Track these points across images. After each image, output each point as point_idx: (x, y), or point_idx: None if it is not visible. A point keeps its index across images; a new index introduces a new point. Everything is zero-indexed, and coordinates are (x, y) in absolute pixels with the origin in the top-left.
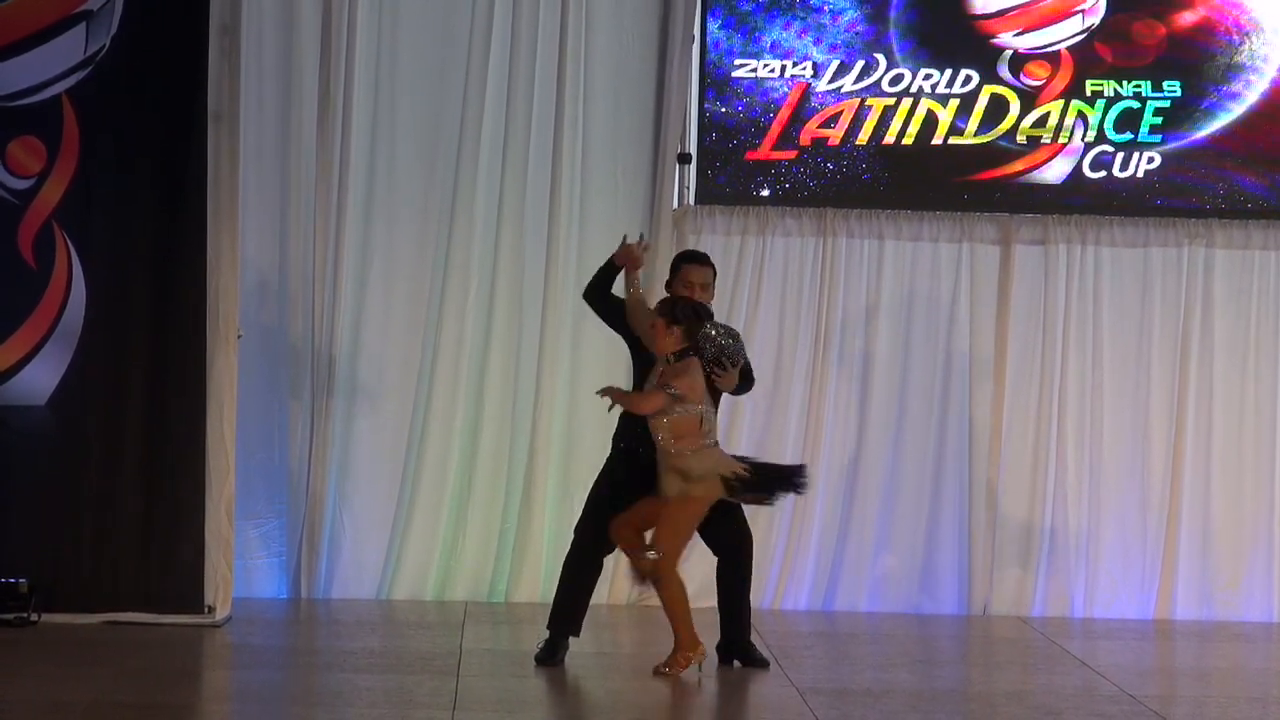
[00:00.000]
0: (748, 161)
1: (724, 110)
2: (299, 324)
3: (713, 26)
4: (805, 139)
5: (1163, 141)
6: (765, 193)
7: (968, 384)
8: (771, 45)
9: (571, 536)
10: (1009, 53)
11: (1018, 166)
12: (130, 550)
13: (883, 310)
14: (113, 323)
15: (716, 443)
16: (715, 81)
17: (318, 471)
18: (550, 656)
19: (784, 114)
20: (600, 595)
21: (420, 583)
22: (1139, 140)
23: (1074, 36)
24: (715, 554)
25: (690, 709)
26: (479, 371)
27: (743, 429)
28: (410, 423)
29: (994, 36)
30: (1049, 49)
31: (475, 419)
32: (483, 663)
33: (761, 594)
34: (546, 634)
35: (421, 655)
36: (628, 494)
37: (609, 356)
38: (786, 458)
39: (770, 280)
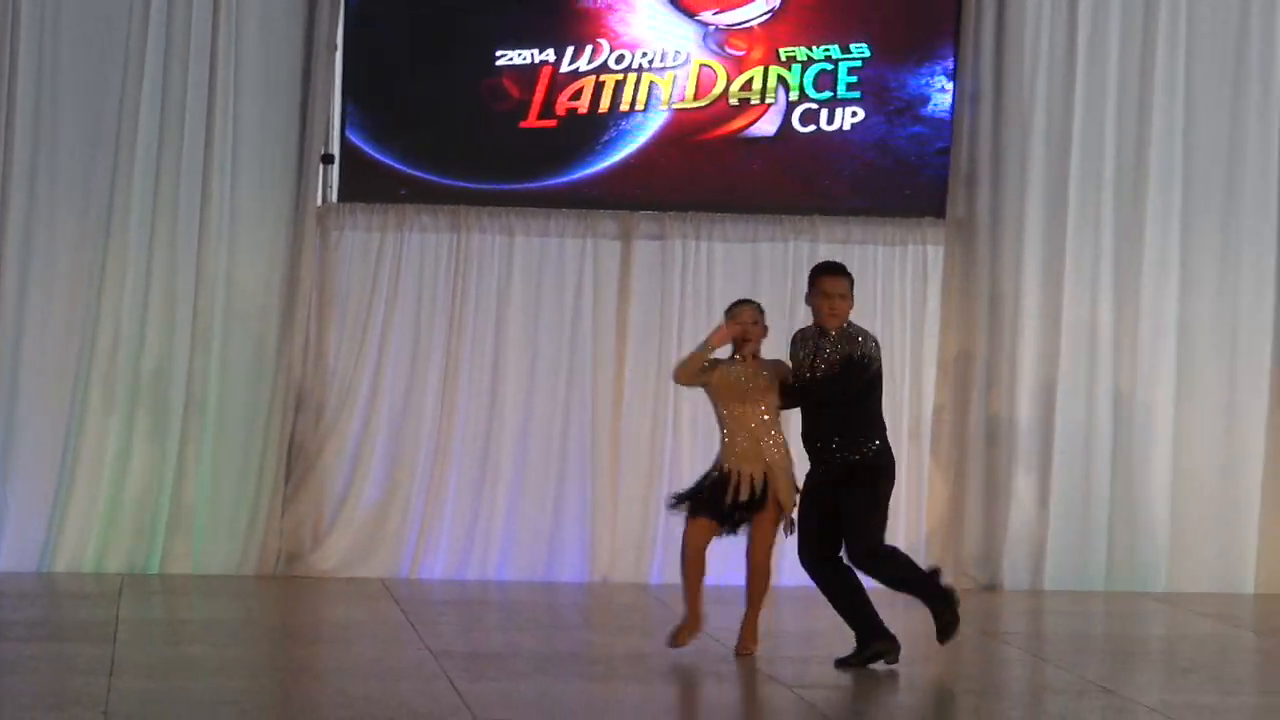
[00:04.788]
0: (520, 130)
1: (367, 112)
2: None
3: (358, 33)
4: (560, 110)
5: (862, 98)
6: (404, 191)
7: (592, 371)
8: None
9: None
10: (712, 28)
11: (739, 124)
12: None
13: (513, 301)
14: None
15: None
16: (359, 85)
17: None
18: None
19: (540, 91)
20: (248, 567)
21: (79, 555)
22: (839, 97)
23: (762, 15)
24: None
25: (335, 670)
26: (137, 346)
27: (381, 411)
28: (71, 400)
29: (696, 15)
30: (744, 24)
31: (132, 398)
32: (139, 631)
33: (399, 563)
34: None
35: (80, 625)
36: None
37: (257, 337)
38: (423, 431)
39: (408, 273)
